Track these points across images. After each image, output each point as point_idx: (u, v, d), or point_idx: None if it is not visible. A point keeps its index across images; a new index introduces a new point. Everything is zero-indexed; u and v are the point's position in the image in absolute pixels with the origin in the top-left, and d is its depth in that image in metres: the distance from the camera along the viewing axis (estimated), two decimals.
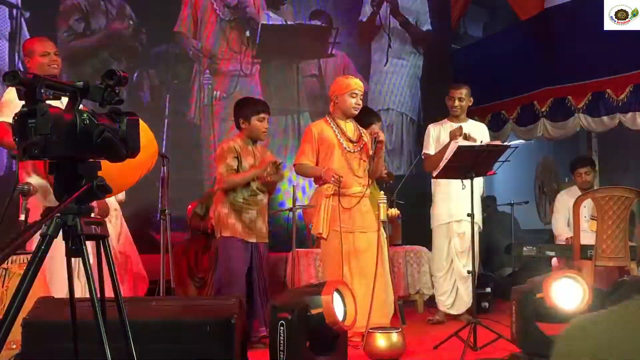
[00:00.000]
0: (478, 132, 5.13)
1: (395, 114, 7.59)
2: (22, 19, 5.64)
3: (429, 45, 7.74)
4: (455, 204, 5.03)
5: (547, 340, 3.33)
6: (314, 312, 3.08)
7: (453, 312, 5.19)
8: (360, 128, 4.56)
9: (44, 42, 3.93)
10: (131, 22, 6.15)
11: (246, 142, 4.42)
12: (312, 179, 4.62)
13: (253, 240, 4.36)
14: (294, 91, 6.98)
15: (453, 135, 4.93)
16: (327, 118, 4.50)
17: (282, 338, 3.00)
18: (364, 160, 4.43)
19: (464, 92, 5.20)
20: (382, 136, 4.37)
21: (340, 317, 3.24)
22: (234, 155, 4.32)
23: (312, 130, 4.43)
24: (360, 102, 4.46)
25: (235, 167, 4.32)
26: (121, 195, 4.64)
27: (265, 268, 4.47)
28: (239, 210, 4.33)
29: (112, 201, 4.47)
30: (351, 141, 4.42)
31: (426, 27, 7.80)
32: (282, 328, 3.02)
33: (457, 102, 5.19)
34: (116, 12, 6.09)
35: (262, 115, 4.41)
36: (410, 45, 7.69)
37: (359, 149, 4.43)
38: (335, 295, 3.27)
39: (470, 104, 5.29)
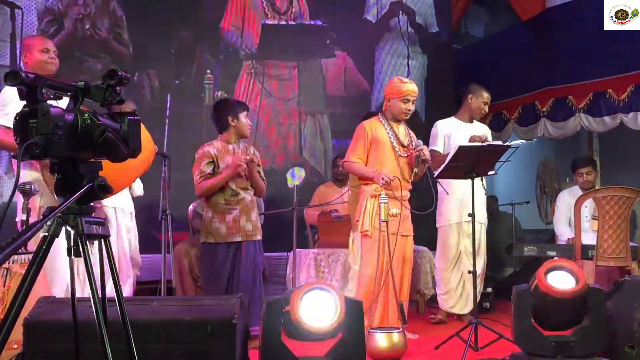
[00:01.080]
0: (485, 135, 5.16)
1: None
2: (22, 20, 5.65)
3: (431, 46, 7.73)
4: (462, 203, 4.97)
5: (545, 340, 3.34)
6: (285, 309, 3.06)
7: (456, 310, 5.14)
8: (411, 132, 4.56)
9: (44, 39, 3.96)
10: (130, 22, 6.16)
11: (228, 142, 4.40)
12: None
13: (238, 239, 4.34)
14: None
15: (473, 141, 4.90)
16: (380, 117, 4.49)
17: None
18: (411, 165, 4.43)
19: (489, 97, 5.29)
20: (426, 153, 4.35)
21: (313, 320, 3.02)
22: (209, 161, 4.30)
23: (366, 129, 4.40)
24: (412, 108, 4.44)
25: (210, 172, 4.30)
26: (139, 191, 4.64)
27: (253, 265, 4.38)
28: (222, 211, 4.32)
29: (128, 206, 4.48)
30: (402, 145, 4.43)
31: (434, 29, 7.78)
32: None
33: (486, 108, 5.27)
34: (115, 16, 6.10)
35: (246, 112, 4.47)
36: (418, 46, 7.67)
37: (409, 153, 4.44)
38: (314, 295, 3.06)
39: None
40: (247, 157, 4.32)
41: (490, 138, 5.18)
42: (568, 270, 3.37)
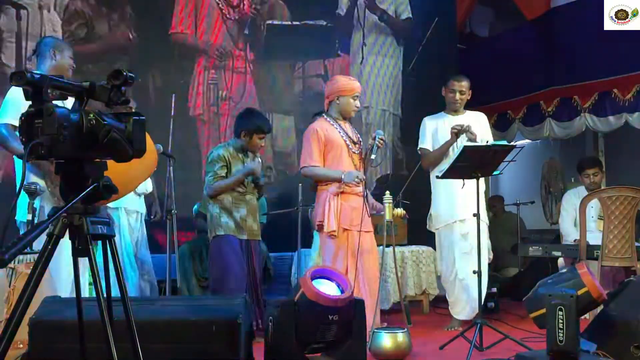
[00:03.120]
0: (477, 124, 4.94)
1: (376, 112, 7.50)
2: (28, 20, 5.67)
3: (432, 45, 7.69)
4: (457, 203, 4.83)
5: None
6: (296, 297, 3.11)
7: (462, 317, 4.93)
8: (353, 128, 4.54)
9: (71, 47, 4.05)
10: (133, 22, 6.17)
11: (238, 151, 4.47)
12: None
13: (244, 237, 4.41)
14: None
15: (454, 134, 4.80)
16: (327, 118, 4.42)
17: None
18: (363, 161, 4.41)
19: (465, 84, 5.02)
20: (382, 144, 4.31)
21: (330, 291, 3.22)
22: (223, 164, 4.39)
23: (318, 131, 4.34)
24: (359, 105, 4.46)
25: (223, 175, 4.39)
26: (142, 188, 4.65)
27: (257, 264, 4.49)
28: (229, 209, 4.39)
29: (133, 203, 4.50)
30: (353, 142, 4.41)
31: (405, 15, 7.66)
32: (270, 324, 3.09)
33: (458, 95, 5.00)
34: (117, 16, 6.11)
35: (262, 134, 4.48)
36: (392, 38, 7.58)
37: (360, 149, 4.42)
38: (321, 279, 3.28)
39: (469, 98, 5.09)
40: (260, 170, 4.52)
41: (481, 127, 4.96)
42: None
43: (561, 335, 3.09)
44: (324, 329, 3.18)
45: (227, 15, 6.66)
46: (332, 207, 4.24)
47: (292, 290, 3.28)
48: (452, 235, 4.94)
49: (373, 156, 4.22)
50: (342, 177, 4.22)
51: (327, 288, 3.25)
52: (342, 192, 4.24)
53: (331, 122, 4.38)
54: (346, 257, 4.19)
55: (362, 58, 7.41)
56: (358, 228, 4.19)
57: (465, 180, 4.45)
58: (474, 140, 4.75)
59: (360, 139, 4.47)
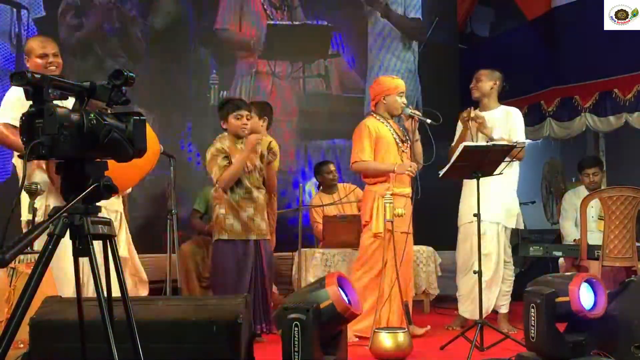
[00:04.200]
0: (504, 120, 4.89)
1: None
2: (28, 20, 5.66)
3: (433, 44, 7.69)
4: (481, 202, 4.72)
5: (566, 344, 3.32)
6: (323, 305, 3.08)
7: (467, 316, 4.89)
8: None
9: (43, 42, 3.79)
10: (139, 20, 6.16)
11: (234, 142, 4.41)
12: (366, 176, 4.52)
13: (253, 237, 4.36)
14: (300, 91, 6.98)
15: (461, 119, 4.81)
16: (376, 116, 4.50)
17: (296, 339, 3.00)
18: (411, 159, 4.47)
19: (483, 72, 4.97)
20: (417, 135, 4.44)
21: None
22: (224, 155, 4.32)
23: (369, 127, 4.41)
24: (405, 101, 4.50)
25: (227, 164, 4.31)
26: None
27: (267, 264, 4.44)
28: (237, 209, 4.33)
29: (112, 204, 4.48)
30: (402, 140, 4.45)
31: (414, 14, 7.63)
32: (296, 329, 3.01)
33: (473, 83, 5.01)
34: (118, 10, 6.10)
35: (238, 112, 4.36)
36: (401, 39, 7.55)
37: (408, 148, 4.46)
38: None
39: (495, 87, 4.98)
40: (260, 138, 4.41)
41: (508, 123, 4.86)
42: None
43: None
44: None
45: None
46: (379, 208, 4.26)
47: (309, 294, 3.23)
48: (467, 235, 4.89)
49: (428, 120, 4.28)
50: (395, 168, 4.27)
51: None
52: (391, 194, 4.23)
53: (381, 120, 4.44)
54: (383, 258, 4.21)
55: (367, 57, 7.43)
56: (403, 230, 4.25)
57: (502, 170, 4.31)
58: (489, 137, 4.70)
59: (408, 138, 4.50)
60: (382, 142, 4.39)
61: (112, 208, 4.48)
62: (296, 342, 2.98)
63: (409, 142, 4.50)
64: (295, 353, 2.97)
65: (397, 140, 4.44)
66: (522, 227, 5.19)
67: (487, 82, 4.99)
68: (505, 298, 4.92)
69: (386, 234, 4.21)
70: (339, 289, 3.20)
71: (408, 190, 4.42)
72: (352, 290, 3.34)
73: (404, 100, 4.46)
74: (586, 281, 3.40)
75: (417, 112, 4.44)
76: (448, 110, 5.47)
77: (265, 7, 6.83)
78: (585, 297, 3.37)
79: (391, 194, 4.18)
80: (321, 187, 6.11)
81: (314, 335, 3.03)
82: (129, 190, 4.66)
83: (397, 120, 4.65)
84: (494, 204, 4.69)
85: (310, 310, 3.03)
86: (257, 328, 4.30)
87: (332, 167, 5.99)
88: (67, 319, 2.64)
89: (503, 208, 4.84)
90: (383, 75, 4.94)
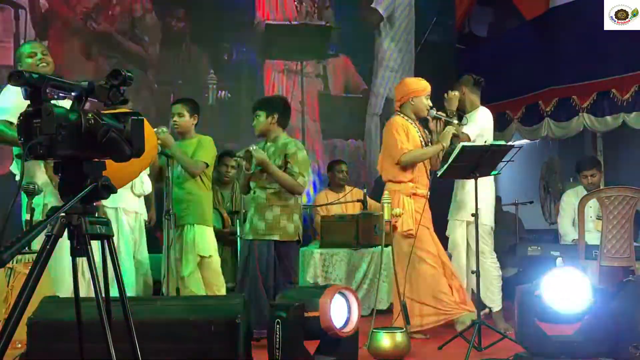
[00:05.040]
0: (471, 119, 4.83)
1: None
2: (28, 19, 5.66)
3: (431, 44, 7.69)
4: (472, 202, 4.81)
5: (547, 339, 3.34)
6: (309, 314, 3.07)
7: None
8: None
9: (31, 44, 4.04)
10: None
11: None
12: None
13: (250, 237, 4.34)
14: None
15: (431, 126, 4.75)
16: (403, 116, 4.51)
17: (277, 336, 3.01)
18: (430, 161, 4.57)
19: (450, 92, 4.79)
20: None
21: (338, 322, 3.17)
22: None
23: (401, 123, 4.45)
24: (431, 103, 4.53)
25: None
26: (139, 189, 4.59)
27: (261, 267, 4.28)
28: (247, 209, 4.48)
29: (130, 205, 4.48)
30: (426, 142, 4.52)
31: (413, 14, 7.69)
32: (278, 326, 3.04)
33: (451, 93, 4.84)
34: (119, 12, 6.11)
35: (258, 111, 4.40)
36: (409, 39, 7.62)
37: None
38: (339, 298, 3.22)
39: (467, 91, 4.94)
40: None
41: (471, 119, 4.84)
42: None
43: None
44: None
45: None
46: (407, 207, 4.30)
47: (303, 297, 3.22)
48: (464, 232, 4.91)
49: (455, 121, 4.45)
50: (443, 144, 4.38)
51: (340, 310, 3.23)
52: (413, 194, 4.38)
53: (409, 121, 4.50)
54: (431, 250, 4.39)
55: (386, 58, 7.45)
56: (428, 225, 4.44)
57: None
58: (456, 134, 4.67)
59: (430, 140, 4.55)
60: (411, 141, 4.43)
61: (131, 209, 4.48)
62: (278, 339, 2.99)
63: (430, 144, 4.53)
64: (277, 350, 2.98)
65: (422, 142, 4.49)
66: (491, 223, 5.09)
67: (456, 95, 4.81)
68: (496, 296, 4.92)
69: (420, 229, 4.32)
70: (337, 303, 3.18)
71: (426, 191, 4.47)
72: (357, 307, 3.29)
73: (430, 102, 4.50)
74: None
75: (443, 114, 4.47)
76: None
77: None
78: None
79: (413, 194, 4.37)
80: (330, 185, 6.31)
81: (297, 334, 3.05)
82: (149, 189, 4.66)
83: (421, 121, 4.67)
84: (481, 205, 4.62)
85: (291, 308, 3.05)
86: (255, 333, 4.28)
87: (344, 167, 6.23)
88: (65, 319, 2.64)
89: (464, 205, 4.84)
90: (407, 77, 4.93)
